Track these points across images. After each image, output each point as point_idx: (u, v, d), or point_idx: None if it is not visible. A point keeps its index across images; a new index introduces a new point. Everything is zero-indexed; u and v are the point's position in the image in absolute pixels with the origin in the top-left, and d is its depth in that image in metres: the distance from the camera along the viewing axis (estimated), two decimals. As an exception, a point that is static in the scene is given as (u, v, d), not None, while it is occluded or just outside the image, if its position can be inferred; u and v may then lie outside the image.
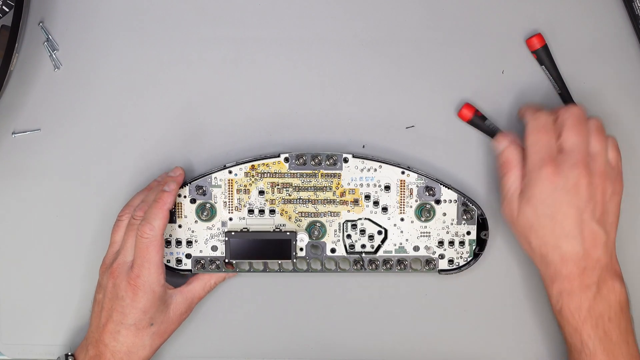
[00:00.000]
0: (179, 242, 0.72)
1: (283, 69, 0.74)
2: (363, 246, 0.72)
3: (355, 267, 0.72)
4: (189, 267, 0.73)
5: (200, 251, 0.72)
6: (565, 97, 0.73)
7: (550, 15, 0.74)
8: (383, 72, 0.74)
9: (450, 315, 0.75)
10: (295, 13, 0.74)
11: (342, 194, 0.72)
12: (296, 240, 0.71)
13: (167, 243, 0.72)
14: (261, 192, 0.72)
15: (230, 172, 0.72)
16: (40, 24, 0.73)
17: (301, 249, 0.72)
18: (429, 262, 0.72)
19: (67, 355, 0.72)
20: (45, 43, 0.73)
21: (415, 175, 0.72)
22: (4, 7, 0.69)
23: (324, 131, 0.74)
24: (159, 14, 0.74)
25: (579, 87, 0.74)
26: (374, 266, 0.72)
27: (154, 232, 0.68)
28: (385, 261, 0.72)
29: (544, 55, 0.73)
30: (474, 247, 0.72)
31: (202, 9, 0.74)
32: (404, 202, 0.72)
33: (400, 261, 0.72)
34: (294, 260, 0.72)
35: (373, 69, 0.74)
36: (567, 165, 0.66)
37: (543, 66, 0.73)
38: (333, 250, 0.72)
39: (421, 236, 0.72)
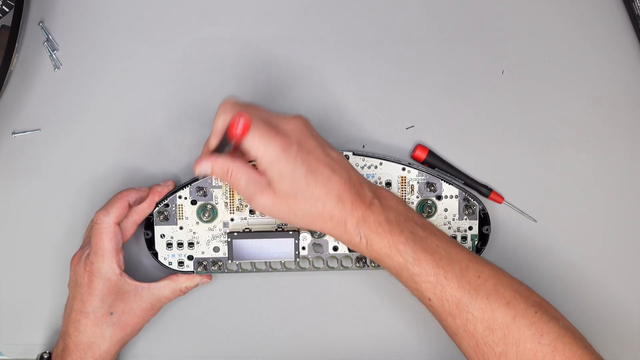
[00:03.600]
0: (180, 244, 0.72)
1: (283, 69, 0.74)
2: None
3: (358, 265, 0.73)
4: (191, 268, 0.73)
5: (202, 252, 0.72)
6: (472, 184, 0.74)
7: (550, 15, 0.74)
8: (383, 72, 0.74)
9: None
10: (296, 13, 0.74)
11: None
12: (299, 239, 0.71)
13: (169, 245, 0.72)
14: None
15: None
16: (40, 24, 0.73)
17: (303, 248, 0.72)
18: None
19: (42, 355, 0.72)
20: (45, 43, 0.73)
21: (416, 171, 0.72)
22: (4, 7, 0.69)
23: (324, 131, 0.74)
24: (159, 14, 0.74)
25: (579, 87, 0.74)
26: (376, 263, 0.72)
27: (107, 218, 0.68)
28: None
29: (433, 161, 0.73)
30: (476, 242, 0.73)
31: (202, 9, 0.74)
32: (405, 199, 0.72)
33: None
34: (297, 260, 0.72)
35: (373, 69, 0.74)
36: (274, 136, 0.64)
37: (437, 169, 0.73)
38: (335, 248, 0.72)
39: None
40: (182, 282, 0.72)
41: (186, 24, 0.74)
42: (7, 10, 0.69)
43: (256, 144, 0.63)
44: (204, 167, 0.66)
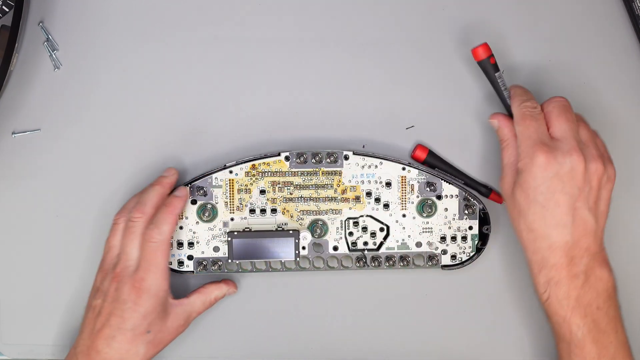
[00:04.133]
0: (180, 244, 0.72)
1: (283, 69, 0.74)
2: (365, 243, 0.72)
3: (358, 265, 0.73)
4: (190, 268, 0.73)
5: (202, 252, 0.72)
6: (471, 184, 0.74)
7: (550, 15, 0.74)
8: (383, 72, 0.74)
9: (453, 313, 0.75)
10: (295, 13, 0.74)
11: (344, 192, 0.72)
12: (299, 239, 0.71)
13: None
14: (262, 192, 0.72)
15: (230, 172, 0.72)
16: (40, 24, 0.73)
17: (304, 248, 0.72)
18: (431, 258, 0.73)
19: None
20: (45, 43, 0.73)
21: (416, 171, 0.72)
22: (4, 7, 0.69)
23: (324, 131, 0.74)
24: (159, 14, 0.74)
25: (579, 87, 0.74)
26: (376, 263, 0.72)
27: (162, 237, 0.68)
28: (388, 258, 0.72)
29: (434, 160, 0.73)
30: (476, 242, 0.73)
31: (202, 9, 0.74)
32: (405, 198, 0.72)
33: (402, 257, 0.72)
34: (297, 259, 0.72)
35: (373, 69, 0.74)
36: (561, 152, 0.65)
37: (436, 169, 0.73)
38: (335, 248, 0.72)
39: (423, 232, 0.73)
40: (212, 292, 0.72)
41: (186, 24, 0.74)
42: (7, 10, 0.69)
43: (527, 147, 0.66)
44: (496, 123, 0.69)
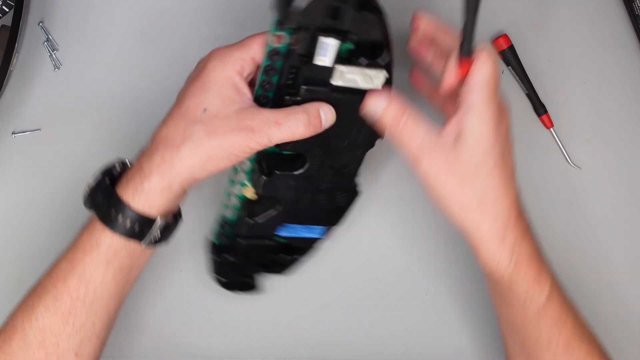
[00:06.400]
0: None
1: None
2: None
3: None
4: None
5: None
6: (532, 97, 0.73)
7: (550, 15, 0.74)
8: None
9: (451, 314, 0.76)
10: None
11: None
12: None
13: None
14: None
15: None
16: (40, 24, 0.73)
17: None
18: None
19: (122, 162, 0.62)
20: (45, 43, 0.73)
21: None
22: (4, 7, 0.69)
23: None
24: (159, 14, 0.74)
25: (579, 87, 0.74)
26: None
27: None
28: None
29: (510, 56, 0.73)
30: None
31: (202, 9, 0.74)
32: None
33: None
34: None
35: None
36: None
37: (510, 67, 0.73)
38: None
39: None
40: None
41: (186, 23, 0.74)
42: (7, 10, 0.69)
43: (481, 98, 0.55)
44: (379, 102, 0.57)
